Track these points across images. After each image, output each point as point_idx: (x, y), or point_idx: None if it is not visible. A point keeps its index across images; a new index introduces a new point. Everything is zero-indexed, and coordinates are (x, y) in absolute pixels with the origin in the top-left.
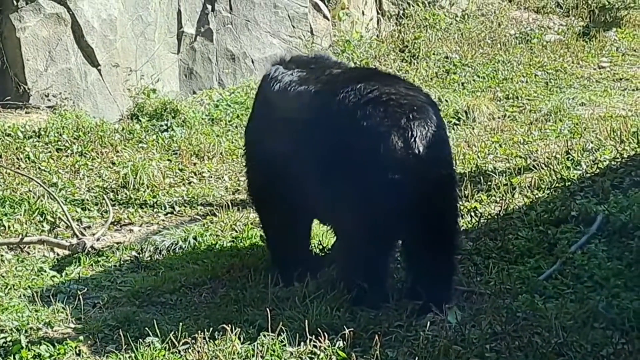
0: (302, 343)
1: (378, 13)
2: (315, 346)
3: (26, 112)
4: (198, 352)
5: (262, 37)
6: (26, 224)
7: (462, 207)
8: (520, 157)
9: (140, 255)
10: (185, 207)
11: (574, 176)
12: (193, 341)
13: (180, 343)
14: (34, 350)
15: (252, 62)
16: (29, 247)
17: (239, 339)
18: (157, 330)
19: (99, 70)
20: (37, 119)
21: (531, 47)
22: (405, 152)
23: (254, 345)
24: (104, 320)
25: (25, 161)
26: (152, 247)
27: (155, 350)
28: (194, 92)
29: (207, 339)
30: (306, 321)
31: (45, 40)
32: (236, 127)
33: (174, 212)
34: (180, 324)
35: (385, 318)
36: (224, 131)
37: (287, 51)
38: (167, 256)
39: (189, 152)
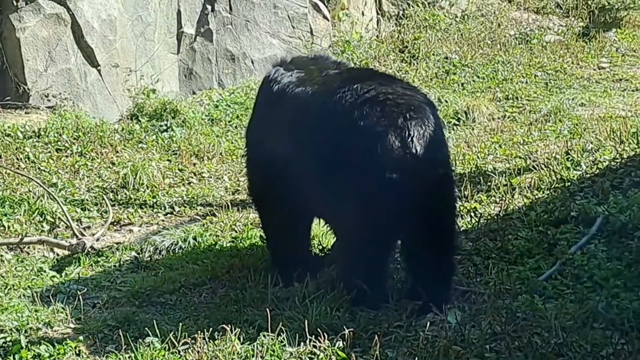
0: (301, 343)
1: (378, 13)
2: (315, 346)
3: (26, 113)
4: (198, 352)
5: (261, 38)
6: (26, 224)
7: (462, 208)
8: (520, 157)
9: (140, 256)
10: (185, 207)
11: (573, 177)
12: (193, 341)
13: (180, 343)
14: (34, 350)
15: (252, 62)
16: (28, 247)
17: (239, 339)
18: (157, 331)
19: (99, 71)
20: (36, 119)
21: (531, 48)
22: (402, 152)
23: (253, 346)
24: (104, 321)
25: (25, 161)
26: (152, 248)
27: (155, 351)
28: (194, 93)
29: (207, 339)
30: (306, 321)
31: (45, 40)
32: (236, 127)
33: (174, 213)
34: (180, 324)
35: (385, 318)
36: (224, 131)
37: (287, 52)
38: (167, 256)
39: (188, 153)
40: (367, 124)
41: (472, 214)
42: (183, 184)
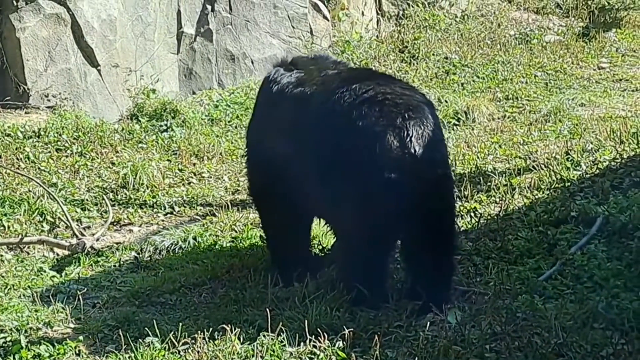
0: (301, 343)
1: (378, 13)
2: (315, 346)
3: (26, 112)
4: (198, 352)
5: (261, 38)
6: (26, 224)
7: (462, 208)
8: (520, 157)
9: (140, 256)
10: (185, 207)
11: (573, 177)
12: (193, 341)
13: (180, 343)
14: (34, 350)
15: (252, 62)
16: (28, 247)
17: (239, 339)
18: (157, 331)
19: (99, 71)
20: (36, 119)
21: (531, 48)
22: (401, 152)
23: (253, 346)
24: (104, 320)
25: (25, 161)
26: (152, 247)
27: (155, 351)
28: (194, 93)
29: (207, 339)
30: (306, 321)
31: (45, 40)
32: (236, 127)
33: (174, 213)
34: (180, 324)
35: (384, 318)
36: (224, 131)
37: (287, 52)
38: (167, 256)
39: (188, 153)
40: (366, 123)
41: (472, 214)
42: (183, 184)
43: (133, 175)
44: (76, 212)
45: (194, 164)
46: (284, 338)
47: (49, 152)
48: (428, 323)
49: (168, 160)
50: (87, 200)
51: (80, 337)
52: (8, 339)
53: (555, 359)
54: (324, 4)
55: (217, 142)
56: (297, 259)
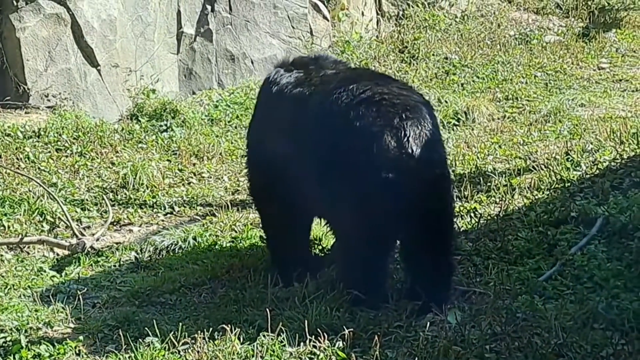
0: (301, 343)
1: (377, 14)
2: (314, 346)
3: (26, 112)
4: (198, 352)
5: (261, 38)
6: (26, 224)
7: (461, 208)
8: (520, 158)
9: (140, 256)
10: (185, 207)
11: (573, 177)
12: (193, 341)
13: (180, 343)
14: (34, 350)
15: (252, 62)
16: (28, 247)
17: (239, 339)
18: (157, 330)
19: (99, 71)
20: (36, 119)
21: (531, 48)
22: (398, 152)
23: (253, 346)
24: (104, 320)
25: (25, 161)
26: (152, 248)
27: (155, 350)
28: (194, 93)
29: (207, 339)
30: (306, 321)
31: (45, 40)
32: (235, 127)
33: (174, 213)
34: (180, 324)
35: (384, 318)
36: (224, 131)
37: (287, 52)
38: (167, 256)
39: (188, 153)
40: (363, 124)
41: (472, 215)
42: (183, 184)
43: (133, 175)
44: (76, 212)
45: (194, 164)
46: (284, 338)
47: (49, 152)
48: (428, 323)
49: (168, 160)
50: (87, 200)
51: (80, 337)
52: (8, 338)
53: None
54: (324, 4)
55: (217, 142)
56: (297, 259)
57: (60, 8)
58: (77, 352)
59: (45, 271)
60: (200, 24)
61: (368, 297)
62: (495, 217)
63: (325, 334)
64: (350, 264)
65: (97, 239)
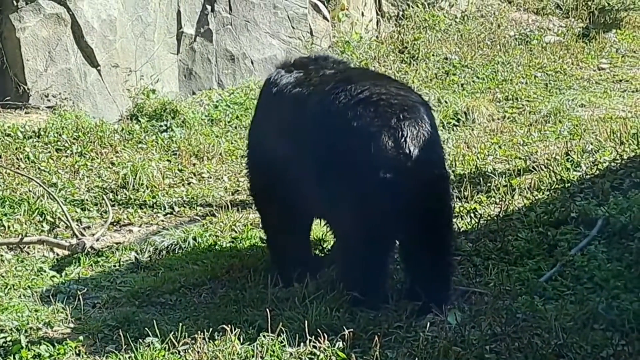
0: (301, 344)
1: (377, 14)
2: (314, 347)
3: (26, 112)
4: (198, 352)
5: (261, 38)
6: (26, 224)
7: (461, 208)
8: (520, 158)
9: (140, 256)
10: (185, 207)
11: (573, 177)
12: (193, 341)
13: (180, 343)
14: (34, 350)
15: (252, 62)
16: (28, 247)
17: (239, 339)
18: (157, 331)
19: (99, 71)
20: (36, 119)
21: (531, 49)
22: (395, 152)
23: (253, 346)
24: (104, 321)
25: (25, 161)
26: (152, 248)
27: (155, 351)
28: (194, 93)
29: (207, 340)
30: (306, 322)
31: (45, 40)
32: (235, 127)
33: (174, 213)
34: (180, 324)
35: (384, 319)
36: (223, 132)
37: (287, 52)
38: (167, 257)
39: (188, 153)
40: (361, 124)
41: (472, 215)
42: (183, 184)
43: (133, 175)
44: (76, 212)
45: (194, 164)
46: (284, 338)
47: (49, 152)
48: (428, 324)
49: (168, 160)
50: (87, 200)
51: (80, 337)
52: (8, 339)
53: None
54: (324, 4)
55: (216, 142)
56: (297, 260)
57: (60, 8)
58: (77, 352)
59: (45, 271)
60: (200, 24)
61: (368, 297)
62: (495, 218)
63: (325, 334)
64: (349, 264)
65: (97, 239)
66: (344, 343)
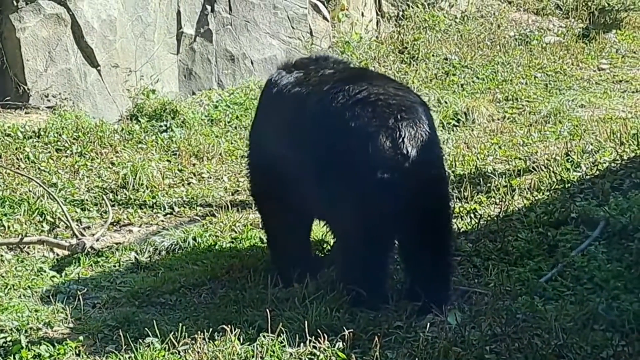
0: (301, 344)
1: (377, 14)
2: (314, 347)
3: (26, 113)
4: (198, 352)
5: (261, 38)
6: (26, 224)
7: (461, 209)
8: (520, 158)
9: (140, 256)
10: (185, 207)
11: (573, 178)
12: (193, 342)
13: (180, 343)
14: (34, 350)
15: (252, 63)
16: (28, 247)
17: (239, 339)
18: (157, 331)
19: (99, 71)
20: (36, 119)
21: (531, 49)
22: (393, 152)
23: (253, 346)
24: (104, 321)
25: (25, 161)
26: (152, 248)
27: (155, 351)
28: (194, 93)
29: (207, 340)
30: (306, 322)
31: (45, 40)
32: (235, 128)
33: (174, 213)
34: (180, 324)
35: (384, 319)
36: (223, 132)
37: (287, 52)
38: (167, 257)
39: (188, 153)
40: (359, 124)
41: (472, 215)
42: (183, 185)
43: (133, 175)
44: (76, 212)
45: (194, 165)
46: (283, 339)
47: (49, 152)
48: (428, 324)
49: (168, 160)
50: (87, 200)
51: (80, 337)
52: (8, 339)
53: None
54: (324, 4)
55: (216, 142)
56: (297, 260)
57: (60, 8)
58: (77, 352)
59: (45, 271)
60: (200, 24)
61: (368, 297)
62: (495, 218)
63: (325, 334)
64: (349, 265)
65: (97, 239)
66: (344, 343)
